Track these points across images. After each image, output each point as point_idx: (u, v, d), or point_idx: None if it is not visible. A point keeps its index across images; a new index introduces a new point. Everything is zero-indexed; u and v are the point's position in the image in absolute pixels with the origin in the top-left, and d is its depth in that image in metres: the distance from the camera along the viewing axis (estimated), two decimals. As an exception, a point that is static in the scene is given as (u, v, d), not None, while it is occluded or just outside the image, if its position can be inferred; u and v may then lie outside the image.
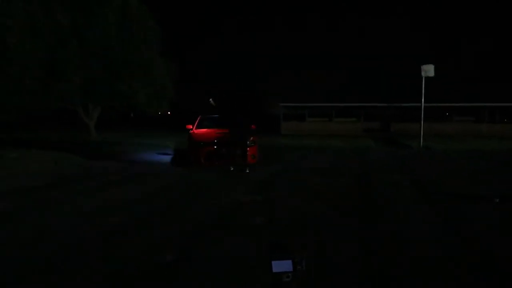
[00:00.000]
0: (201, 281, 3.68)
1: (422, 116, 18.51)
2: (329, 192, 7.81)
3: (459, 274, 3.83)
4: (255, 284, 3.53)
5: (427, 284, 3.65)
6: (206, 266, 4.00)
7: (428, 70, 17.81)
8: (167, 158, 13.56)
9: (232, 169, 10.40)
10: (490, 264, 4.12)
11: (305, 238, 4.93)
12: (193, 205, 6.77)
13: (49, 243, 4.73)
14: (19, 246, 4.63)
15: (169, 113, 45.45)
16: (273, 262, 1.51)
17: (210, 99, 11.11)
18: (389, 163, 12.76)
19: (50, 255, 4.31)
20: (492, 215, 6.09)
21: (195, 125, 12.31)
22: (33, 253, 4.38)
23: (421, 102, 18.40)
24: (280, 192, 7.85)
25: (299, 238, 4.92)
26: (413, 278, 3.75)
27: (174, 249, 4.46)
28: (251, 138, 11.13)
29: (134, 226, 5.46)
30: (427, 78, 18.03)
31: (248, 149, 10.86)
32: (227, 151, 10.80)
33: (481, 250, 4.52)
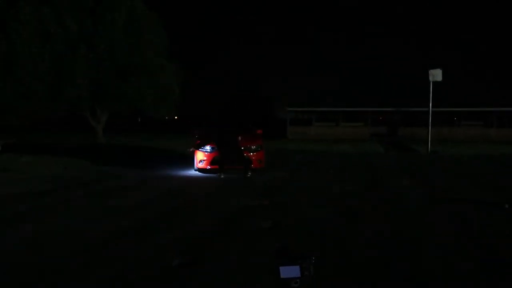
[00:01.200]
0: (203, 282, 3.68)
1: (430, 120, 18.40)
2: (336, 197, 7.77)
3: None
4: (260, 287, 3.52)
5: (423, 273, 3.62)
6: (210, 268, 3.99)
7: (436, 74, 17.73)
8: (174, 161, 13.59)
9: (222, 176, 10.15)
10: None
11: (311, 243, 4.90)
12: (199, 209, 6.78)
13: (56, 245, 4.75)
14: (27, 247, 4.66)
15: (176, 117, 45.73)
16: (281, 268, 1.50)
17: (188, 150, 11.26)
18: (396, 168, 12.68)
19: (56, 257, 4.33)
20: (502, 220, 6.01)
21: (201, 130, 12.33)
22: (41, 255, 4.40)
23: (428, 106, 18.31)
24: (286, 197, 7.83)
25: (305, 243, 4.89)
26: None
27: (179, 252, 4.46)
28: (255, 145, 11.07)
29: (141, 229, 5.46)
30: (435, 82, 17.95)
31: (254, 153, 10.85)
32: (232, 156, 10.79)
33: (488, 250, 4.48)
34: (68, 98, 17.67)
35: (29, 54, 16.18)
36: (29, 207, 6.85)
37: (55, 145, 19.29)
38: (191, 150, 10.94)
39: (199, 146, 10.76)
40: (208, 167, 10.70)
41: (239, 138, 10.47)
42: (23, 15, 16.00)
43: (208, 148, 10.78)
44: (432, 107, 18.34)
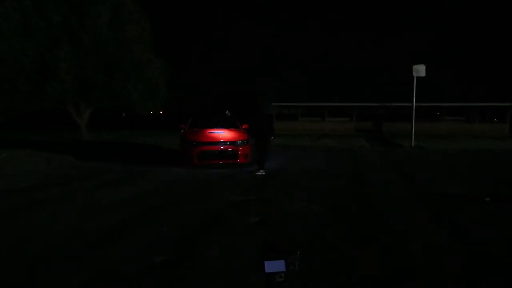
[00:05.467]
0: (189, 278, 3.70)
1: (414, 115, 18.65)
2: (323, 192, 7.85)
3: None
4: (246, 283, 3.55)
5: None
6: (196, 264, 4.02)
7: (420, 70, 17.94)
8: (158, 157, 13.54)
9: (263, 172, 9.99)
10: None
11: (297, 238, 4.97)
12: (185, 205, 6.78)
13: (40, 243, 4.71)
14: (8, 247, 4.61)
15: (161, 112, 45.36)
16: (265, 262, 1.52)
17: (226, 111, 11.25)
18: (381, 163, 12.86)
19: (41, 256, 4.30)
20: (482, 213, 6.17)
21: (187, 125, 12.31)
22: (23, 255, 4.37)
23: (412, 102, 18.54)
24: (273, 192, 7.88)
25: (291, 238, 4.95)
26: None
27: (165, 249, 4.47)
28: (246, 138, 11.19)
29: (126, 226, 5.45)
30: (418, 78, 18.18)
31: (240, 148, 10.90)
32: (220, 150, 10.83)
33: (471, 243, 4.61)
34: (52, 94, 17.34)
35: (11, 49, 15.81)
36: (10, 204, 6.76)
37: (37, 141, 18.98)
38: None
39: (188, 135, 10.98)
40: (197, 161, 10.73)
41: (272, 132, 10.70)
42: (4, 8, 15.60)
43: (196, 143, 10.79)
44: (415, 102, 18.58)
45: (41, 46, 16.84)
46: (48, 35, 17.03)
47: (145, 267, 3.96)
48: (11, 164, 11.49)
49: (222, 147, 10.86)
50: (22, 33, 16.38)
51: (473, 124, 29.38)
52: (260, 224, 5.52)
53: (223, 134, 11.27)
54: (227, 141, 10.92)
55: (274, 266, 1.52)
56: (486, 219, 5.86)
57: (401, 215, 6.08)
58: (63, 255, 4.33)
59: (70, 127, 25.83)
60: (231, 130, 11.63)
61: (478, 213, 6.22)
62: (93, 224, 5.51)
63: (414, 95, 18.32)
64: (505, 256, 4.32)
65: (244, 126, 12.36)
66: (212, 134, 11.21)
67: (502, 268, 4.03)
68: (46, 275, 3.81)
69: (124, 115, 43.16)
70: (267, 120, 10.78)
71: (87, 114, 21.75)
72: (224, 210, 6.39)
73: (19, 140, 19.63)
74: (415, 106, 18.68)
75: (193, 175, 9.88)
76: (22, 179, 9.20)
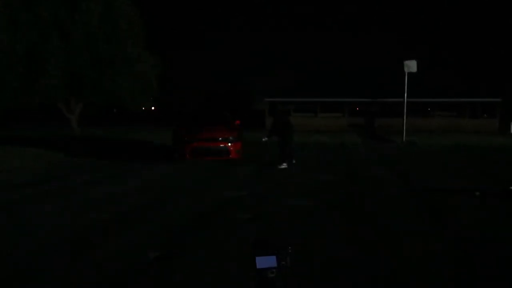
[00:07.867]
0: (182, 274, 3.68)
1: (405, 111, 18.74)
2: (315, 188, 7.86)
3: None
4: (240, 279, 3.54)
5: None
6: (189, 260, 3.99)
7: (411, 66, 18.03)
8: (148, 153, 13.46)
9: (285, 166, 10.33)
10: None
11: (290, 234, 4.96)
12: (178, 201, 6.75)
13: (29, 242, 4.66)
14: None
15: (153, 108, 45.14)
16: (257, 258, 1.51)
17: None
18: (373, 159, 12.90)
19: (33, 255, 4.26)
20: (472, 207, 6.22)
21: (180, 121, 12.24)
22: (11, 255, 4.32)
23: (404, 97, 18.63)
24: (265, 188, 7.87)
25: (284, 234, 4.95)
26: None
27: (157, 245, 4.44)
28: (238, 134, 11.16)
29: (116, 223, 5.41)
30: (410, 73, 18.25)
31: (232, 144, 10.86)
32: (212, 147, 10.79)
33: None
34: (42, 89, 17.14)
35: (1, 45, 15.59)
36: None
37: (28, 138, 18.77)
38: (264, 139, 11.19)
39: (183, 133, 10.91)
40: (189, 157, 10.68)
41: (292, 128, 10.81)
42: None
43: (188, 139, 10.74)
44: (407, 98, 18.66)
45: (31, 41, 16.63)
46: (37, 30, 16.82)
47: (140, 264, 3.93)
48: (0, 160, 11.35)
49: (214, 144, 10.82)
50: (11, 27, 16.16)
51: (464, 119, 29.59)
52: (253, 220, 5.51)
53: (215, 130, 11.23)
54: (220, 138, 10.88)
55: (265, 262, 1.51)
56: (475, 213, 5.90)
57: (393, 211, 6.11)
58: (54, 254, 4.28)
59: (62, 123, 25.59)
60: (223, 126, 11.60)
61: (468, 206, 6.26)
62: (82, 221, 5.46)
63: (406, 91, 18.41)
64: (494, 252, 4.36)
65: (237, 122, 12.33)
66: (204, 130, 11.15)
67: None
68: (41, 274, 3.77)
69: (115, 111, 42.83)
70: (286, 121, 10.87)
71: (78, 109, 21.54)
72: (217, 206, 6.37)
73: (9, 136, 19.40)
74: (407, 102, 18.77)
75: (185, 172, 9.84)
76: (9, 176, 9.08)
